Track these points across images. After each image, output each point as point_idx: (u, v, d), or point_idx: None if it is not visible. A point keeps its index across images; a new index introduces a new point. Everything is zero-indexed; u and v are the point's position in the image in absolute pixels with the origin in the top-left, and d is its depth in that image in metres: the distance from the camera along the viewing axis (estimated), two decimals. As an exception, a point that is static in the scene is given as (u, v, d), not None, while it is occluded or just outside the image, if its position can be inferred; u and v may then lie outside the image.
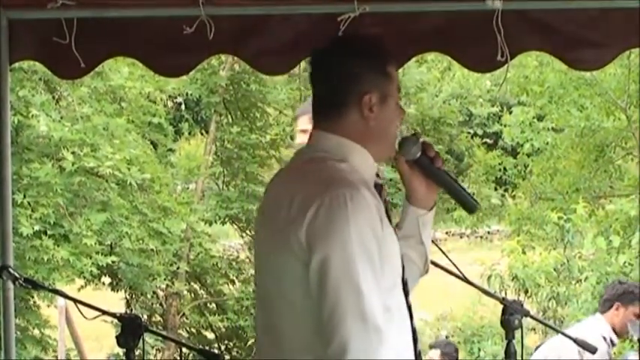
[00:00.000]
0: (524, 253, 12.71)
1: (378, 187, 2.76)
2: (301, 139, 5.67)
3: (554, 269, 12.12)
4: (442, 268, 3.58)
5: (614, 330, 6.28)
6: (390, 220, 2.73)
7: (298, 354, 2.58)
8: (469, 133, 19.73)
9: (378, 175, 2.79)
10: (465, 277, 3.64)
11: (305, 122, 5.72)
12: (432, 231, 2.94)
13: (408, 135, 2.84)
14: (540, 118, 15.81)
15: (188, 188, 15.51)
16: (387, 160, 2.84)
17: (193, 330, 14.31)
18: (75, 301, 4.10)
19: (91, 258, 10.99)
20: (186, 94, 14.44)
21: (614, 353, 6.84)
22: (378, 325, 2.48)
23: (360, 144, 2.70)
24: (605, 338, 6.20)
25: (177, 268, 13.16)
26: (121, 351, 3.94)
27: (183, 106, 15.88)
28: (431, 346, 8.78)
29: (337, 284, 2.49)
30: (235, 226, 14.71)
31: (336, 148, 2.69)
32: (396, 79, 2.78)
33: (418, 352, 2.74)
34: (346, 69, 2.72)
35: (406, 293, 2.73)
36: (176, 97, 14.75)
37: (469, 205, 2.87)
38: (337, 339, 2.47)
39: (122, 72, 11.74)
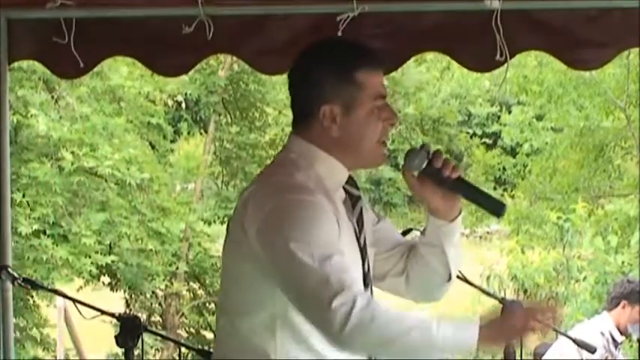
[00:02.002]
0: (523, 252, 12.71)
1: (355, 199, 2.73)
2: None
3: (553, 269, 12.12)
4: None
5: (618, 328, 6.27)
6: (359, 230, 2.71)
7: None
8: (468, 132, 19.80)
9: (356, 187, 2.76)
10: (464, 277, 3.64)
11: None
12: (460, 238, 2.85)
13: (413, 147, 2.76)
14: (539, 118, 15.83)
15: (187, 188, 15.53)
16: (372, 167, 2.78)
17: (192, 330, 14.31)
18: (74, 300, 4.10)
19: (90, 258, 11.00)
20: (185, 93, 14.44)
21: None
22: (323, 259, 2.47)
23: (327, 152, 2.66)
24: (603, 334, 6.20)
25: (177, 268, 13.16)
26: (119, 351, 3.94)
27: (183, 105, 15.88)
28: None
29: (286, 271, 2.50)
30: (234, 226, 14.72)
31: (305, 154, 2.67)
32: (371, 86, 2.65)
33: None
34: (306, 78, 2.67)
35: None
36: (176, 96, 14.76)
37: (494, 208, 2.73)
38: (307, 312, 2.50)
39: (121, 72, 11.75)
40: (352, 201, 2.72)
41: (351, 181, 2.74)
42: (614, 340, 6.27)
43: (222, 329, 2.70)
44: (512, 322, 2.50)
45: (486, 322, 2.47)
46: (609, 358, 6.15)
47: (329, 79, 2.64)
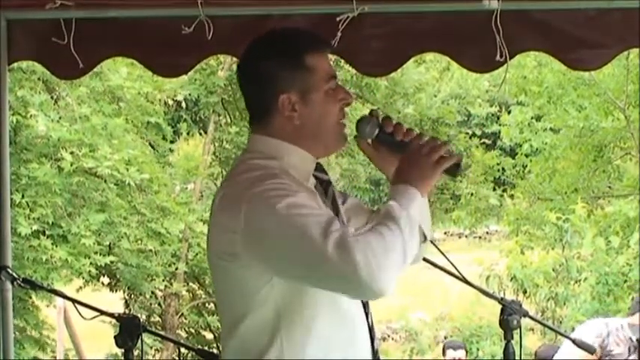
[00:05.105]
0: (522, 253, 12.73)
1: (325, 184, 2.73)
2: None
3: (553, 269, 12.13)
4: (441, 268, 3.58)
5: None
6: (336, 214, 2.69)
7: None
8: (467, 133, 19.72)
9: (324, 172, 2.75)
10: (464, 278, 3.64)
11: None
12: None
13: (363, 115, 2.73)
14: (539, 119, 15.83)
15: (187, 188, 15.51)
16: (336, 151, 2.76)
17: (192, 330, 14.31)
18: (73, 301, 4.10)
19: (89, 258, 10.99)
20: (185, 94, 14.44)
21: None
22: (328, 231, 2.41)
23: (293, 144, 2.64)
24: (607, 324, 6.18)
25: (176, 268, 13.16)
26: (119, 351, 3.95)
27: (183, 105, 15.86)
28: (449, 347, 8.63)
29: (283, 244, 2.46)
30: (234, 227, 14.72)
31: (268, 149, 2.65)
32: (322, 69, 2.65)
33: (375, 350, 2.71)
34: (258, 73, 2.65)
35: None
36: (175, 97, 14.74)
37: (450, 171, 2.64)
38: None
39: (121, 72, 11.74)
40: (323, 186, 2.73)
41: (318, 167, 2.73)
42: (630, 338, 6.24)
43: (228, 347, 2.65)
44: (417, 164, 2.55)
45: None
46: (605, 340, 6.13)
47: (281, 69, 2.63)
